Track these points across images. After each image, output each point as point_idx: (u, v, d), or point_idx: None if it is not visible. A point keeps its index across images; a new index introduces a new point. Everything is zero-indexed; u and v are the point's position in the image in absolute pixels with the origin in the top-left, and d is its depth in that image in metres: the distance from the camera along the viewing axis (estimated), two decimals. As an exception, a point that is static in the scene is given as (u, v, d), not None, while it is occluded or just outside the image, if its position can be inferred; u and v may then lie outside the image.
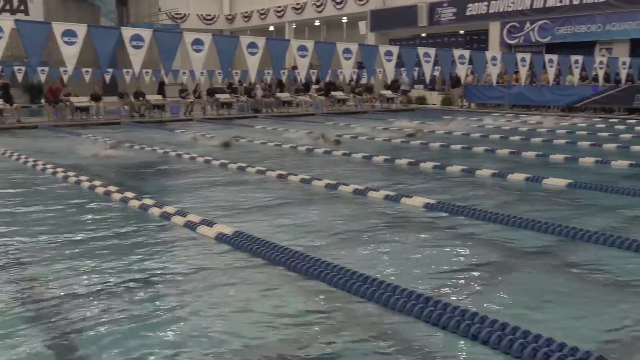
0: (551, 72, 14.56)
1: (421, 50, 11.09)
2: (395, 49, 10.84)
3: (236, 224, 6.40)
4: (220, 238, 5.88)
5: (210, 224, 6.31)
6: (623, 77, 16.94)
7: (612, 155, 11.53)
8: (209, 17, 43.16)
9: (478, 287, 4.67)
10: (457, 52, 11.72)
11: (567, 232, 5.92)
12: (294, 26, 39.84)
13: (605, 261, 5.19)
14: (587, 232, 5.84)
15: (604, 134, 15.54)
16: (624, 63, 16.12)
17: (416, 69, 14.68)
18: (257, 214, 7.13)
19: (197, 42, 10.03)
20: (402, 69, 15.90)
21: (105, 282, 4.71)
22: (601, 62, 16.19)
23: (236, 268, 5.09)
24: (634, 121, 19.67)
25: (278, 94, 27.83)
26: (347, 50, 10.26)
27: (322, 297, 4.44)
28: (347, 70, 10.55)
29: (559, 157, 11.27)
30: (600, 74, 16.74)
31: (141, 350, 3.56)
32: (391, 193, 7.90)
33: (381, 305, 4.17)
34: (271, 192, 8.40)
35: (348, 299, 4.35)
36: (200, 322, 3.97)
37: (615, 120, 20.27)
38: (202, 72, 14.84)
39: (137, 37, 9.65)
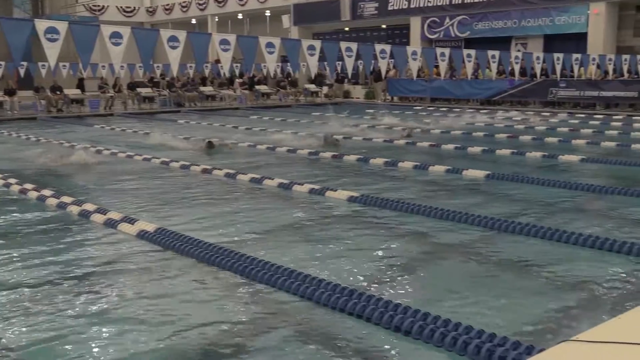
0: (469, 67, 14.97)
1: (343, 45, 11.19)
2: (317, 43, 10.88)
3: (161, 221, 6.30)
4: (142, 235, 5.78)
5: (131, 221, 6.18)
6: (538, 71, 17.59)
7: (528, 147, 11.95)
8: (128, 10, 42.09)
9: (402, 279, 4.76)
10: (378, 47, 11.88)
11: (486, 223, 6.10)
12: (217, 19, 39.40)
13: (522, 250, 5.38)
14: (505, 222, 6.04)
15: (521, 127, 16.10)
16: (538, 58, 16.72)
17: (339, 63, 14.78)
18: (183, 210, 7.03)
19: (116, 35, 9.78)
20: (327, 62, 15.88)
21: (19, 278, 4.55)
22: (517, 57, 16.75)
23: (159, 265, 5.00)
24: (548, 114, 20.47)
25: (202, 88, 27.50)
26: (270, 45, 10.24)
27: (247, 293, 4.42)
28: (270, 64, 10.52)
29: (477, 149, 11.59)
30: (516, 68, 17.33)
31: (53, 344, 3.47)
32: (316, 187, 7.94)
33: (307, 300, 4.20)
34: (199, 188, 8.32)
35: (274, 294, 4.35)
36: (119, 319, 3.89)
37: (531, 112, 21.04)
38: (122, 66, 14.45)
39: (52, 30, 9.31)
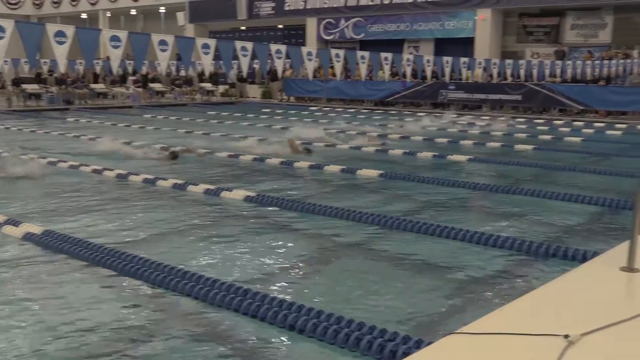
0: (363, 68, 15.27)
1: (239, 44, 11.11)
2: (212, 42, 10.76)
3: (53, 224, 6.04)
4: (29, 237, 5.52)
5: (16, 223, 5.90)
6: (428, 73, 18.20)
7: (419, 147, 12.33)
8: (13, 2, 40.00)
9: (297, 278, 4.80)
10: (274, 47, 11.89)
11: (379, 221, 6.25)
12: (109, 15, 38.14)
13: (414, 247, 5.54)
14: (397, 219, 6.20)
15: (412, 127, 16.58)
16: (428, 61, 17.29)
17: (235, 62, 14.67)
18: (76, 214, 6.77)
19: (-2, 28, 9.25)
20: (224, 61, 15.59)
21: None
22: (408, 60, 17.24)
23: (50, 267, 4.79)
24: (438, 115, 21.20)
25: (92, 85, 26.56)
26: (163, 42, 10.01)
27: (139, 295, 4.32)
28: (163, 62, 10.29)
29: (371, 149, 11.84)
30: (408, 70, 17.85)
31: None
32: (211, 187, 7.85)
33: (201, 301, 4.14)
34: (92, 192, 8.03)
35: (167, 295, 4.27)
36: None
37: (423, 114, 21.72)
38: (5, 61, 13.72)
39: None
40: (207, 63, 10.77)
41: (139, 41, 9.76)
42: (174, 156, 10.44)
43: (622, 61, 20.88)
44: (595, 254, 4.59)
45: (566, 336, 2.60)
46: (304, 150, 11.20)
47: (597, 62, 21.06)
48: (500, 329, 2.75)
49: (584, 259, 4.72)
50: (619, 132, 15.81)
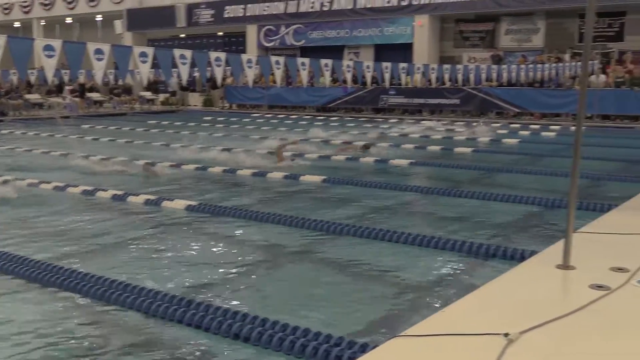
0: (304, 75, 15.29)
1: (177, 52, 10.99)
2: (150, 50, 10.60)
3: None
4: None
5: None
6: (368, 79, 18.39)
7: (362, 153, 12.41)
8: (-60, 10, 38.59)
9: (242, 286, 4.76)
10: (213, 55, 11.80)
11: (322, 227, 6.26)
12: (43, 23, 37.15)
13: (359, 252, 5.58)
14: (340, 225, 6.24)
15: (355, 132, 16.71)
16: (368, 66, 17.44)
17: (175, 70, 14.50)
18: (8, 229, 6.56)
19: None
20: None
21: None
22: (348, 66, 17.35)
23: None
24: (380, 120, 21.44)
25: (27, 96, 25.84)
26: (98, 51, 9.80)
27: (78, 309, 4.21)
28: (99, 71, 10.07)
29: (313, 155, 11.87)
30: (349, 76, 17.99)
31: None
32: (151, 197, 7.73)
33: (143, 313, 4.07)
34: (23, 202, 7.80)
35: (109, 309, 4.18)
36: None
37: (364, 119, 21.93)
38: None
39: None
40: (145, 72, 10.61)
41: (74, 50, 9.53)
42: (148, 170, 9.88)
43: (554, 65, 21.52)
44: (533, 253, 4.71)
45: (506, 335, 2.66)
46: (289, 158, 10.67)
47: (531, 66, 21.65)
48: (442, 330, 2.80)
49: (523, 258, 4.83)
50: (553, 134, 16.28)
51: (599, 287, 3.17)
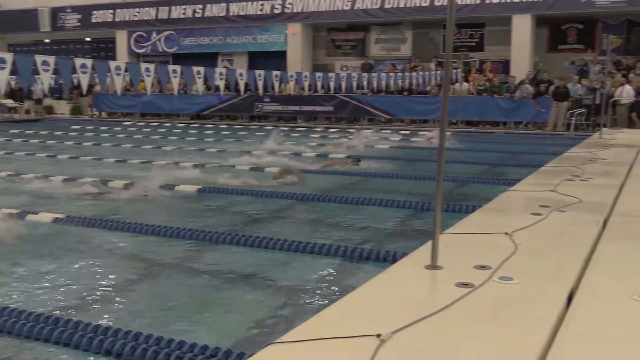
0: (176, 82, 15.01)
1: (39, 58, 10.44)
2: (9, 56, 10.00)
3: None
4: None
5: None
6: (242, 86, 18.32)
7: (237, 159, 12.36)
8: None
9: (113, 301, 4.59)
10: (79, 61, 11.32)
11: (197, 236, 6.17)
12: None
13: (235, 260, 5.54)
14: (216, 233, 6.18)
15: (230, 140, 16.63)
16: (241, 74, 17.40)
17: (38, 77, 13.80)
18: None
19: None
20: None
21: None
22: (221, 73, 17.23)
23: None
24: (255, 127, 21.45)
25: None
26: (-52, 56, 9.13)
27: None
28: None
29: (188, 164, 11.68)
30: (222, 84, 17.88)
31: None
32: (14, 211, 7.29)
33: (6, 333, 3.83)
34: None
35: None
36: None
37: (239, 126, 21.87)
38: None
39: None
40: (2, 79, 9.99)
41: None
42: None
43: (421, 73, 22.45)
44: (404, 254, 4.87)
45: (378, 335, 2.72)
46: (301, 176, 10.05)
47: (399, 74, 22.47)
48: (317, 334, 2.82)
49: (395, 260, 4.98)
50: (422, 139, 16.97)
51: (464, 284, 3.32)
